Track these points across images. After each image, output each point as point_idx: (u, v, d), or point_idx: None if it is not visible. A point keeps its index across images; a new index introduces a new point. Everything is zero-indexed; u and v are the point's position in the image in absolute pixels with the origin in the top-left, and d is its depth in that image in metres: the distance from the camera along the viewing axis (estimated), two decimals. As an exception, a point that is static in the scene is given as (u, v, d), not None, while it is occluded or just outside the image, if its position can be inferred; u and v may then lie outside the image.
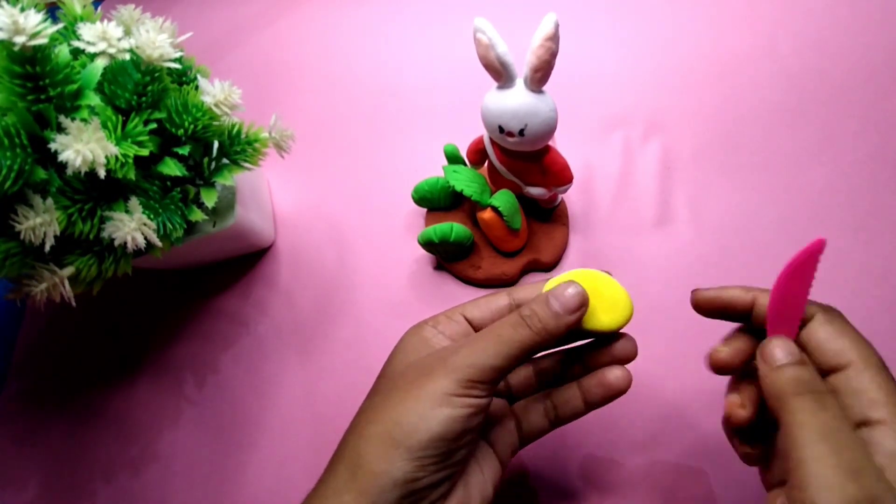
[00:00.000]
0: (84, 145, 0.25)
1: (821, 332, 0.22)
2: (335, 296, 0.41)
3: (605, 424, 0.34)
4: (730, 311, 0.25)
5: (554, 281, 0.26)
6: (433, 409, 0.22)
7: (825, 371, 0.22)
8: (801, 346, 0.22)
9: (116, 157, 0.26)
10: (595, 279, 0.25)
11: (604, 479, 0.33)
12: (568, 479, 0.33)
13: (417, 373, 0.23)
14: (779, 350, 0.22)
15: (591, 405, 0.26)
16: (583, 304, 0.24)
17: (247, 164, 0.34)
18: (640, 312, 0.32)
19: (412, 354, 0.25)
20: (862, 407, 0.20)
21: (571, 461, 0.34)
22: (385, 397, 0.23)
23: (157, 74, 0.29)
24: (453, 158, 0.38)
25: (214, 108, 0.31)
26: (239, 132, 0.34)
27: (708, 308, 0.25)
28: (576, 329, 0.24)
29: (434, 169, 0.39)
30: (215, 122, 0.31)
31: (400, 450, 0.21)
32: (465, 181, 0.35)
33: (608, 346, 0.26)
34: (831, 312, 0.23)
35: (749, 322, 0.24)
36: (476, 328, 0.26)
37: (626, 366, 0.26)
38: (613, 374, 0.26)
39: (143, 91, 0.29)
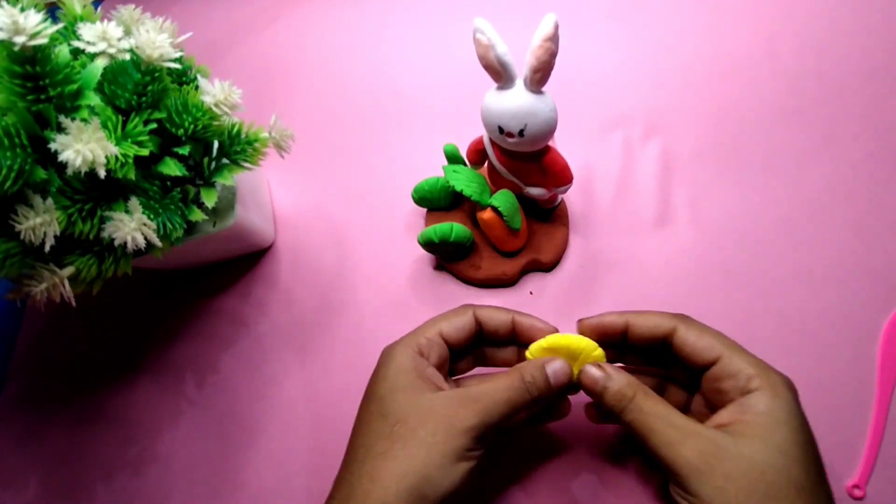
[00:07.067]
0: (84, 145, 0.25)
1: (689, 338, 0.26)
2: (335, 296, 0.41)
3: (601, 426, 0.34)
4: (609, 334, 0.28)
5: (538, 347, 0.29)
6: (455, 465, 0.24)
7: (705, 365, 0.26)
8: (678, 352, 0.27)
9: (116, 157, 0.26)
10: (569, 341, 0.28)
11: (599, 480, 0.33)
12: (565, 481, 0.33)
13: (436, 424, 0.25)
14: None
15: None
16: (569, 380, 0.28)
17: (247, 164, 0.34)
18: (640, 312, 0.32)
19: (411, 392, 0.26)
20: (742, 381, 0.25)
21: (568, 461, 0.34)
22: (405, 446, 0.25)
23: (157, 74, 0.29)
24: (453, 158, 0.38)
25: (214, 108, 0.31)
26: (239, 132, 0.34)
27: (591, 334, 0.29)
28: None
29: (434, 169, 0.39)
30: (215, 122, 0.31)
31: (426, 502, 0.24)
32: (465, 181, 0.35)
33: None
34: (686, 320, 0.27)
35: (626, 341, 0.28)
36: (448, 343, 0.29)
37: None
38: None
39: (143, 91, 0.29)
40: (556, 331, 0.29)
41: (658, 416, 0.24)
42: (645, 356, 0.30)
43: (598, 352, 0.28)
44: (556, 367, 0.27)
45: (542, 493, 0.33)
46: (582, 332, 0.29)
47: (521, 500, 0.33)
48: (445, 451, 0.24)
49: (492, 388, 0.26)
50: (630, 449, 0.33)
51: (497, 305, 0.31)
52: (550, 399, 0.28)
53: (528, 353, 0.29)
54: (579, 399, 0.30)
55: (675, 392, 0.30)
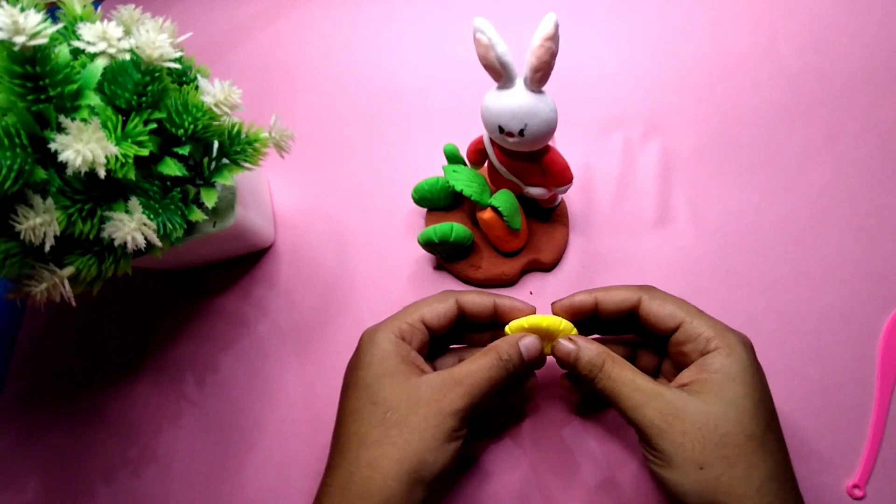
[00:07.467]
0: (84, 145, 0.25)
1: (652, 307, 0.29)
2: (335, 296, 0.41)
3: (603, 425, 0.34)
4: (581, 312, 0.30)
5: (518, 325, 0.30)
6: (446, 445, 0.26)
7: (669, 331, 0.28)
8: (644, 322, 0.29)
9: (116, 157, 0.26)
10: (549, 322, 0.30)
11: (601, 481, 0.33)
12: (567, 480, 0.33)
13: (427, 409, 0.26)
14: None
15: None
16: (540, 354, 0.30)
17: (247, 164, 0.34)
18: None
19: (398, 377, 0.27)
20: (701, 343, 0.27)
21: (569, 463, 0.34)
22: (400, 433, 0.26)
23: (157, 74, 0.29)
24: (453, 158, 0.38)
25: (214, 108, 0.31)
26: (239, 132, 0.34)
27: (565, 315, 0.30)
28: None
29: (434, 169, 0.39)
30: (215, 122, 0.31)
31: (423, 483, 0.25)
32: (465, 181, 0.35)
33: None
34: (650, 290, 0.29)
35: (598, 317, 0.30)
36: (429, 329, 0.30)
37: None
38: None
39: (143, 91, 0.29)
40: (535, 310, 0.31)
41: (624, 382, 0.27)
42: (617, 328, 0.32)
43: (574, 332, 0.30)
44: (527, 343, 0.29)
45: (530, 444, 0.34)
46: (556, 313, 0.31)
47: (511, 450, 0.33)
48: (437, 434, 0.26)
49: (474, 369, 0.28)
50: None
51: (478, 290, 0.32)
52: (522, 373, 0.30)
53: (507, 330, 0.30)
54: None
55: (647, 357, 0.32)
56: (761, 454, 0.24)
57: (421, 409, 0.26)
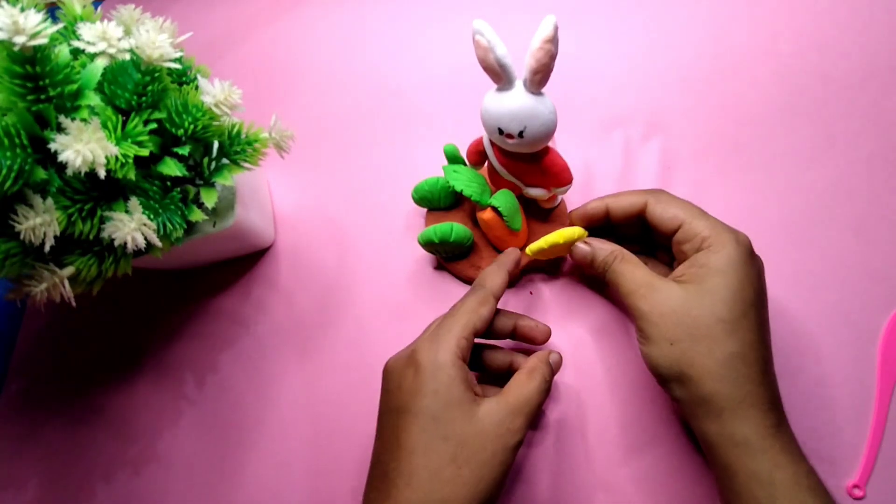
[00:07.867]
0: (84, 145, 0.25)
1: (656, 210, 0.31)
2: (335, 296, 0.41)
3: (606, 422, 0.34)
4: (595, 220, 0.34)
5: (537, 247, 0.34)
6: (506, 476, 0.27)
7: (671, 232, 0.31)
8: (650, 224, 0.32)
9: (116, 157, 0.26)
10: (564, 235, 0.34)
11: (604, 479, 0.33)
12: (567, 479, 0.33)
13: (494, 446, 0.27)
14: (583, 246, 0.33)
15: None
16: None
17: (247, 164, 0.34)
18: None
19: (464, 407, 0.27)
20: (697, 242, 0.29)
21: (571, 458, 0.34)
22: (471, 472, 0.26)
23: (157, 74, 0.29)
24: (453, 158, 0.38)
25: (214, 108, 0.31)
26: (239, 132, 0.34)
27: (580, 222, 0.34)
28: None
29: (434, 169, 0.39)
30: (215, 122, 0.31)
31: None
32: (465, 181, 0.35)
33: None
34: (657, 194, 0.32)
35: (609, 222, 0.34)
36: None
37: None
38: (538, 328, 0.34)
39: (143, 91, 0.29)
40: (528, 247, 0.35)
41: (624, 274, 0.30)
42: (635, 233, 0.35)
43: (586, 235, 0.34)
44: (555, 358, 0.32)
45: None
46: (573, 222, 0.35)
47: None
48: (503, 470, 0.27)
49: (528, 395, 0.29)
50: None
51: (493, 267, 0.33)
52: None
53: (528, 251, 0.35)
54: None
55: (662, 259, 0.35)
56: (728, 335, 0.27)
57: (489, 446, 0.27)
